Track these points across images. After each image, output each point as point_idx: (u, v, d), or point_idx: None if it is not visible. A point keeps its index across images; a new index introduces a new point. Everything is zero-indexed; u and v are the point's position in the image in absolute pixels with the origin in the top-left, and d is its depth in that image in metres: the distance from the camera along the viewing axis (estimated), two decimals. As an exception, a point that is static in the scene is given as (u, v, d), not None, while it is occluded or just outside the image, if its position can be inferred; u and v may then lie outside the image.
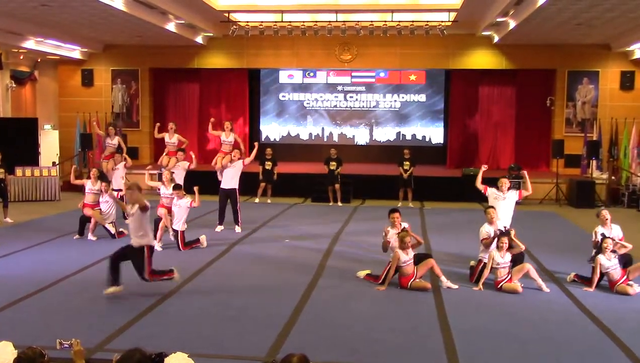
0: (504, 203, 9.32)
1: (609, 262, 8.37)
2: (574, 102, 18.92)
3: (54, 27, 16.20)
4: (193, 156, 13.10)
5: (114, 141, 14.29)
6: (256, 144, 13.45)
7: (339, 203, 16.39)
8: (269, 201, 16.51)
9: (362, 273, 8.94)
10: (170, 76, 20.99)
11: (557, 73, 19.01)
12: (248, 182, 15.34)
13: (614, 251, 8.48)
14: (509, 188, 9.52)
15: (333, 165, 16.28)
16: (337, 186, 16.41)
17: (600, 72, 18.70)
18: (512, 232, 8.83)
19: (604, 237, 8.56)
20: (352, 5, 16.13)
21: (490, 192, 9.55)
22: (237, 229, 12.31)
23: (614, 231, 8.85)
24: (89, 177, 12.01)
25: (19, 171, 16.61)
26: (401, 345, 6.32)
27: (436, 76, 20.71)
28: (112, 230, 11.53)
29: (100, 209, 11.59)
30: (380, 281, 8.47)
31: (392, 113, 21.04)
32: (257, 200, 16.53)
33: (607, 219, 8.86)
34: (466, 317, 7.25)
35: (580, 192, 16.58)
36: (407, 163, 16.21)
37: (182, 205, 10.73)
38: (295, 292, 8.08)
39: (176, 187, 10.96)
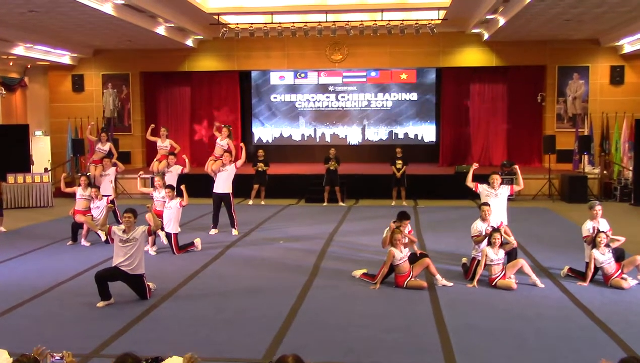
0: (496, 199, 9.29)
1: (603, 257, 8.39)
2: (564, 97, 18.99)
3: (43, 33, 16.13)
4: (186, 160, 13.06)
5: (105, 147, 14.28)
6: (242, 144, 13.27)
7: (342, 203, 16.37)
8: (262, 203, 16.49)
9: (358, 273, 8.94)
10: (161, 80, 20.95)
11: (547, 69, 19.08)
12: (241, 184, 15.31)
13: (607, 245, 8.50)
14: (500, 184, 9.49)
15: (333, 165, 16.22)
16: (336, 188, 16.34)
17: (590, 67, 18.78)
18: (503, 229, 8.85)
19: (598, 231, 8.58)
20: (341, 5, 16.14)
21: (482, 189, 9.52)
22: (234, 232, 12.28)
23: (602, 225, 8.78)
24: (79, 184, 11.96)
25: (10, 178, 16.54)
26: (397, 344, 6.32)
27: (427, 74, 20.76)
28: (104, 237, 11.46)
29: (91, 215, 11.53)
30: (375, 280, 8.48)
31: (383, 112, 21.06)
32: (250, 202, 16.50)
33: (598, 213, 8.81)
34: (461, 314, 7.26)
35: (572, 187, 16.65)
36: (400, 162, 16.22)
37: (172, 207, 10.73)
38: (291, 293, 8.07)
39: (168, 186, 11.02)
